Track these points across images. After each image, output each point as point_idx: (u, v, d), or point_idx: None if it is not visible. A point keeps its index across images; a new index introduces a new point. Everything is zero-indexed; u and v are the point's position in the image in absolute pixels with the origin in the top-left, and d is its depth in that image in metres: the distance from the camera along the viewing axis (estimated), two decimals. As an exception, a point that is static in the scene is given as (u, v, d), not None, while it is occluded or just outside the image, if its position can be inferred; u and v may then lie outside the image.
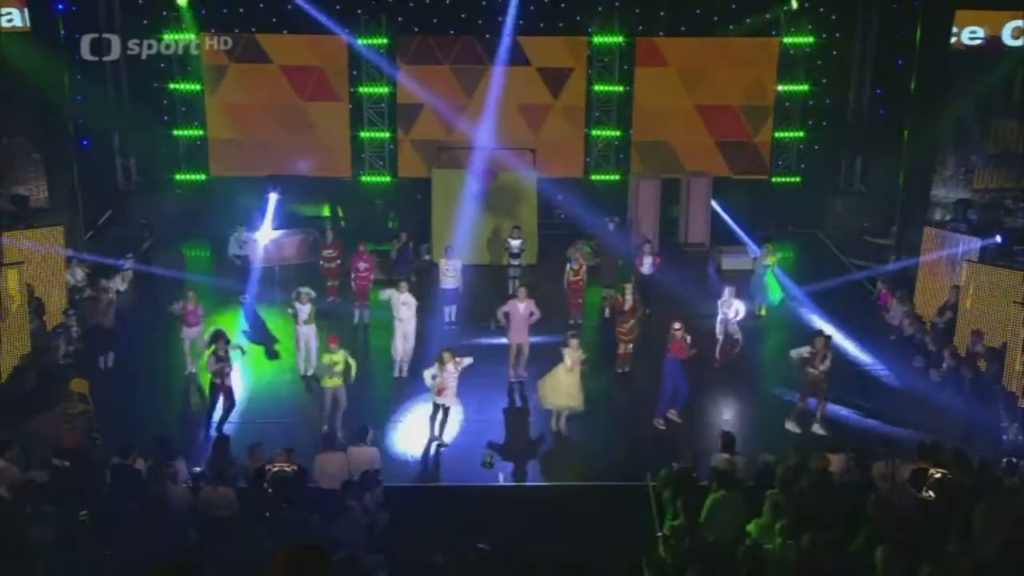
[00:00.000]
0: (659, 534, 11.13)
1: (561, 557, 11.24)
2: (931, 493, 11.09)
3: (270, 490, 11.44)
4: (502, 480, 13.60)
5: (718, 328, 16.70)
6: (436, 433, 14.34)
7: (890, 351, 17.64)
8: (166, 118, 24.15)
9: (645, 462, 13.48)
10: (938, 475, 11.22)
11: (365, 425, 13.40)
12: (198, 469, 12.37)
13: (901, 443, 12.84)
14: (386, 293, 16.45)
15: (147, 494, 11.21)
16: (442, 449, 14.32)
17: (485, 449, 14.15)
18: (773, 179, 24.84)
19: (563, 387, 14.47)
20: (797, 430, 14.83)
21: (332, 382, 14.32)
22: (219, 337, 14.63)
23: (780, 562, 9.80)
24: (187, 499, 11.50)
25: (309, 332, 16.27)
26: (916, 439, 12.87)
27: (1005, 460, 12.46)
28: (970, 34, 20.70)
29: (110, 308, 16.97)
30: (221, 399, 14.56)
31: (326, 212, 24.05)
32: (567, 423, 14.69)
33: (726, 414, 15.59)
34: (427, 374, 14.24)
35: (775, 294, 18.77)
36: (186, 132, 24.20)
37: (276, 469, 11.66)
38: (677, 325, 14.70)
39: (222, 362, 14.45)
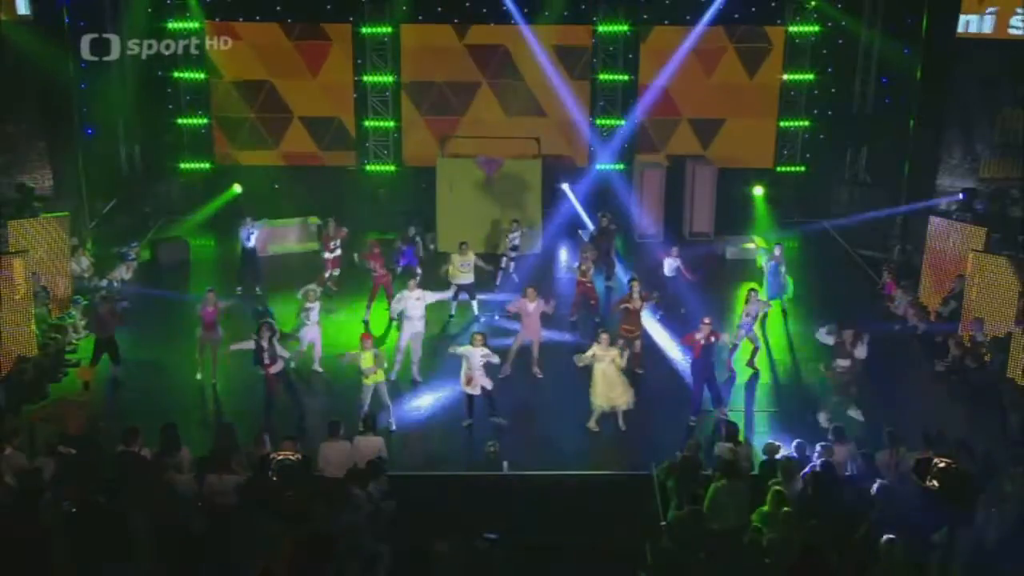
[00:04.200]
0: (663, 523, 11.16)
1: (565, 546, 11.29)
2: (935, 482, 11.09)
3: (275, 478, 11.48)
4: (506, 469, 13.62)
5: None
6: (489, 416, 14.46)
7: (894, 340, 17.63)
8: (171, 106, 24.17)
9: (650, 451, 13.51)
10: (942, 464, 11.23)
11: (372, 414, 13.44)
12: (202, 457, 12.36)
13: (905, 432, 12.81)
14: (398, 305, 16.07)
15: (152, 481, 11.25)
16: (498, 421, 14.47)
17: (490, 439, 14.19)
18: (778, 169, 24.79)
19: (608, 385, 14.44)
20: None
21: (371, 379, 14.35)
22: (262, 328, 14.50)
23: (782, 551, 9.82)
24: (192, 487, 11.53)
25: (316, 333, 16.07)
26: (920, 428, 12.86)
27: (1009, 450, 12.46)
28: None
29: (112, 319, 16.11)
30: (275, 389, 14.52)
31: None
32: (622, 418, 14.66)
33: (730, 403, 15.56)
34: (457, 349, 14.51)
35: (788, 288, 18.63)
36: (191, 120, 24.21)
37: (281, 457, 11.69)
38: (706, 320, 14.59)
39: (263, 351, 14.36)
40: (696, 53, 23.88)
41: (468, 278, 18.16)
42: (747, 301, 16.32)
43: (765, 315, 17.22)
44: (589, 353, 14.51)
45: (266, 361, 14.32)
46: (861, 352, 14.56)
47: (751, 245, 21.35)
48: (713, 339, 14.49)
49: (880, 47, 23.53)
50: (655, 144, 24.63)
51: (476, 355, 14.21)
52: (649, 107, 24.16)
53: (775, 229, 22.65)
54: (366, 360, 14.23)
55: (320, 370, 16.18)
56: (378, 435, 12.94)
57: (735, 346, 16.10)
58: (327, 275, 19.06)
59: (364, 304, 18.37)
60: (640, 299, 16.06)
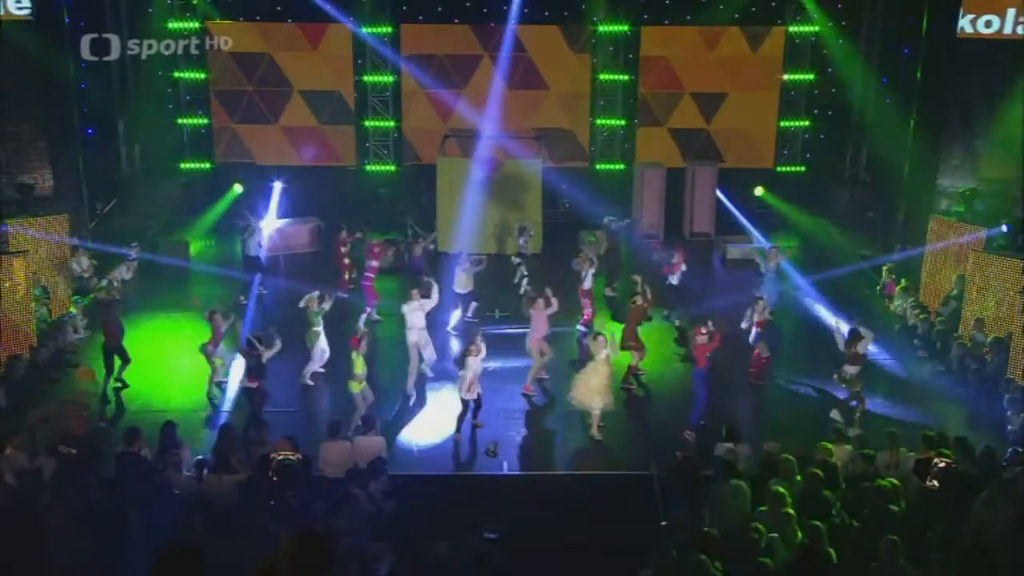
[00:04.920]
0: (663, 523, 11.15)
1: (565, 546, 11.29)
2: (935, 482, 11.09)
3: (275, 478, 11.48)
4: (506, 469, 13.63)
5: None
6: (470, 418, 14.39)
7: (894, 340, 17.62)
8: (171, 106, 24.17)
9: (649, 451, 13.50)
10: (942, 464, 11.22)
11: (372, 415, 13.45)
12: (202, 457, 12.38)
13: (905, 433, 12.81)
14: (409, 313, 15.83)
15: (152, 481, 11.26)
16: (477, 430, 14.45)
17: (489, 439, 14.21)
18: (778, 169, 24.79)
19: (594, 386, 14.43)
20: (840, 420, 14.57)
21: (358, 386, 14.29)
22: (247, 342, 14.61)
23: (782, 552, 9.82)
24: (192, 487, 11.54)
25: (322, 337, 16.01)
26: (920, 429, 12.85)
27: (1009, 450, 12.45)
28: (985, 23, 20.35)
29: (119, 328, 15.94)
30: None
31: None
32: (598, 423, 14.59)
33: (731, 404, 15.55)
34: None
35: (785, 290, 18.58)
36: (191, 120, 24.22)
37: (281, 457, 11.69)
38: (703, 330, 14.58)
39: (248, 359, 14.49)
40: (699, 28, 23.98)
41: (469, 287, 18.18)
42: (753, 308, 16.36)
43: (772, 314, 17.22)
44: (603, 354, 14.50)
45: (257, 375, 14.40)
46: (863, 347, 14.67)
47: (753, 246, 21.33)
48: (717, 342, 14.47)
49: (880, 47, 23.53)
50: (658, 118, 24.66)
51: (478, 363, 14.19)
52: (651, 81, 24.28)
53: (782, 229, 22.70)
54: (357, 365, 14.20)
55: (321, 370, 16.16)
56: (378, 435, 12.93)
57: (767, 358, 15.97)
58: (347, 277, 18.98)
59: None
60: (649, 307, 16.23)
